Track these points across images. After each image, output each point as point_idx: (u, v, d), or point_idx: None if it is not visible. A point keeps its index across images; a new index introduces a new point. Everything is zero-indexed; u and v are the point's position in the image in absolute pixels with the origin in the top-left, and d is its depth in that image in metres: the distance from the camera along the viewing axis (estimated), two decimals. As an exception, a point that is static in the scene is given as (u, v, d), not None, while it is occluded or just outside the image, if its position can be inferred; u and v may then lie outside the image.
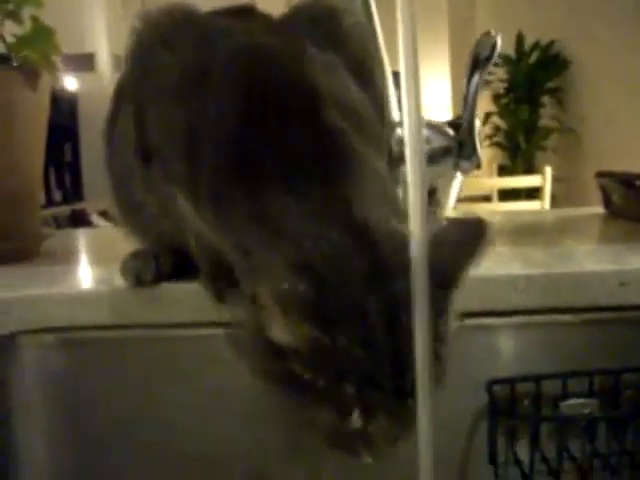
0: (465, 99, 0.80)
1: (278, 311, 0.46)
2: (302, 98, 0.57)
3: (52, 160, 5.88)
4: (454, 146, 0.81)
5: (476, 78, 0.79)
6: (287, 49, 0.62)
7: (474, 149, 0.81)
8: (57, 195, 6.13)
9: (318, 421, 0.49)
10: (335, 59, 0.65)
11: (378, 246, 0.49)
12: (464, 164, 0.82)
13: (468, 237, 0.51)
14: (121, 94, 0.76)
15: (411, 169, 0.41)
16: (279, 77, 0.59)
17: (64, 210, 5.35)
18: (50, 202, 5.77)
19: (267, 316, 0.48)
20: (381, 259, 0.48)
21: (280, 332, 0.47)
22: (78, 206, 5.62)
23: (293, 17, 0.72)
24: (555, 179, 3.24)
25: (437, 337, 0.49)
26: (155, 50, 0.66)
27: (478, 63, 0.78)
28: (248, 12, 0.72)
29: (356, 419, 0.47)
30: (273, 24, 0.71)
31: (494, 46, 0.77)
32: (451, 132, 0.81)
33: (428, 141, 0.80)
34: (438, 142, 0.81)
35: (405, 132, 0.40)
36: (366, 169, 0.56)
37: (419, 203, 0.41)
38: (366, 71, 0.68)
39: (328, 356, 0.46)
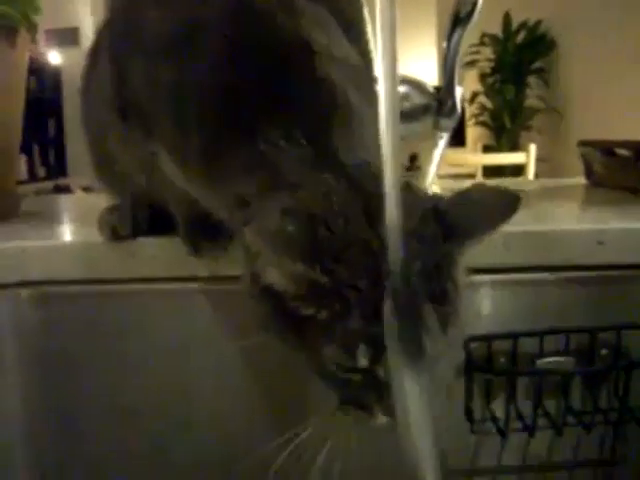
0: (445, 57, 0.79)
1: (268, 250, 0.46)
2: (296, 51, 0.57)
3: (36, 136, 5.82)
4: (434, 104, 0.80)
5: (457, 35, 0.78)
6: (278, 3, 0.61)
7: (454, 106, 0.81)
8: (41, 171, 6.08)
9: (325, 363, 0.49)
10: (325, 12, 0.64)
11: (371, 187, 0.49)
12: (444, 122, 0.81)
13: (497, 206, 0.52)
14: (100, 45, 0.74)
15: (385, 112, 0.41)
16: (272, 31, 0.58)
17: (47, 185, 5.31)
18: (33, 178, 5.72)
19: (262, 263, 0.48)
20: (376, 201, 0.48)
21: (275, 276, 0.48)
22: (62, 182, 5.57)
23: None
24: (539, 159, 3.25)
25: (452, 286, 0.49)
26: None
27: (459, 20, 0.77)
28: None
29: (363, 356, 0.47)
30: None
31: (475, 3, 0.76)
32: (431, 89, 0.81)
33: (407, 97, 0.79)
34: (417, 99, 0.80)
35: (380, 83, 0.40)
36: (360, 118, 0.56)
37: (393, 147, 0.42)
38: (354, 26, 0.68)
39: (328, 292, 0.46)
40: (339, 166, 0.51)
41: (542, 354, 0.74)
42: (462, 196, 0.52)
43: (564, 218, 0.82)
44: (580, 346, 0.75)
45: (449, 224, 0.49)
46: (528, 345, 0.74)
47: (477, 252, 0.73)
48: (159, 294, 0.75)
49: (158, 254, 0.73)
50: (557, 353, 0.75)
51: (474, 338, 0.74)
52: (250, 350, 0.74)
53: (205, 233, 0.69)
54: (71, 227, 0.93)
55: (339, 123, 0.54)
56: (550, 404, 0.76)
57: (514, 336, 0.74)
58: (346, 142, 0.53)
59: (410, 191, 0.51)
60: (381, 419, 0.50)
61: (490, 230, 0.51)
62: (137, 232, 0.73)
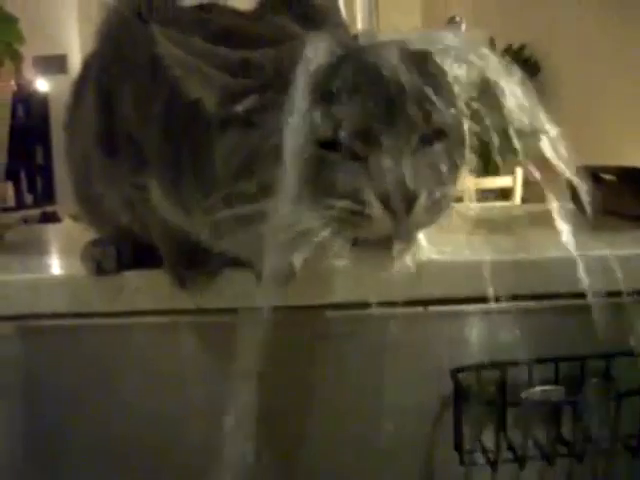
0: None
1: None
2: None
3: (23, 163, 5.82)
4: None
5: (441, 65, 0.78)
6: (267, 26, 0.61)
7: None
8: (28, 198, 6.07)
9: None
10: None
11: None
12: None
13: None
14: (85, 78, 0.74)
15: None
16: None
17: (34, 213, 5.30)
18: (21, 205, 5.71)
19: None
20: None
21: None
22: (50, 209, 5.56)
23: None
24: (526, 182, 3.27)
25: None
26: (131, 24, 0.64)
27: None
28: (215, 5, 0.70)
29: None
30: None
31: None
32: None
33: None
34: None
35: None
36: None
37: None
38: None
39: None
40: None
41: (531, 383, 0.74)
42: None
43: (549, 246, 0.81)
44: (569, 375, 0.75)
45: None
46: (517, 374, 0.74)
47: (463, 281, 0.73)
48: (145, 327, 0.75)
49: (143, 287, 0.72)
50: (547, 382, 0.74)
51: (462, 368, 0.74)
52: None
53: (191, 266, 0.68)
54: (57, 259, 0.92)
55: None
56: (541, 434, 0.75)
57: (502, 366, 0.73)
58: None
59: None
60: (382, 220, 0.48)
61: None
62: (121, 267, 0.72)
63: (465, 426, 0.75)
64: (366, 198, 0.48)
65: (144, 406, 0.76)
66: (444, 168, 0.52)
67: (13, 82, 1.04)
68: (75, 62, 5.77)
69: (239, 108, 0.51)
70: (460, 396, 0.74)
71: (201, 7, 0.68)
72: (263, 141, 0.49)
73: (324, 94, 0.48)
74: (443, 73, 0.53)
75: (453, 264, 0.73)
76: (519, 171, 3.13)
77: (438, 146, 0.51)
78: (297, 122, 0.46)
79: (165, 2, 0.66)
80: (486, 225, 1.04)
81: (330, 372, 0.75)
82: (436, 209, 0.51)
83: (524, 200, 3.28)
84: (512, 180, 3.14)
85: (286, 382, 0.73)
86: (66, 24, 5.92)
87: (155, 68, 0.60)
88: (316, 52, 0.49)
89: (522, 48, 4.62)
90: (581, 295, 0.74)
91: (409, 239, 0.52)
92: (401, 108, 0.48)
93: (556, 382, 0.74)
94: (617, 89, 3.55)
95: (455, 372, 0.73)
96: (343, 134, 0.47)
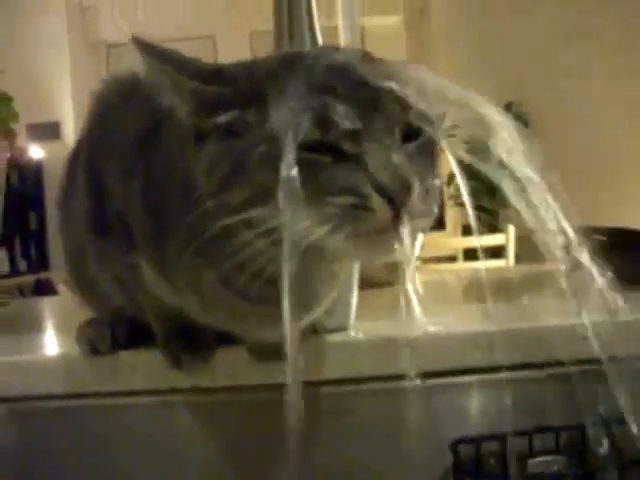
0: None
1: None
2: None
3: (17, 229, 5.83)
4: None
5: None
6: None
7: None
8: (22, 265, 6.05)
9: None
10: None
11: None
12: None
13: None
14: (78, 157, 0.75)
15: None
16: None
17: (28, 279, 5.28)
18: (15, 272, 5.69)
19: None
20: None
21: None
22: (44, 275, 5.54)
23: None
24: (519, 238, 3.27)
25: None
26: (115, 105, 0.66)
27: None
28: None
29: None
30: None
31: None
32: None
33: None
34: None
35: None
36: None
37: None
38: None
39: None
40: None
41: (532, 453, 0.73)
42: None
43: (546, 313, 0.81)
44: (570, 443, 0.74)
45: None
46: (518, 445, 0.73)
47: (460, 353, 0.73)
48: (141, 407, 0.74)
49: (138, 367, 0.72)
50: (548, 451, 0.73)
51: (462, 440, 0.73)
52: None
53: (185, 345, 0.68)
54: (51, 337, 0.92)
55: None
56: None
57: (502, 437, 0.73)
58: None
59: None
60: (383, 211, 0.48)
61: None
62: (116, 346, 0.72)
63: (466, 499, 0.74)
64: (365, 191, 0.48)
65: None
66: (424, 162, 0.53)
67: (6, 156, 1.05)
68: (69, 129, 5.82)
69: (221, 120, 0.51)
70: (460, 468, 0.73)
71: None
72: (250, 150, 0.49)
73: (308, 99, 0.49)
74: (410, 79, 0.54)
75: (449, 336, 0.73)
76: (511, 228, 3.13)
77: (415, 144, 0.52)
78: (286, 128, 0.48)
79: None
80: (480, 291, 1.04)
81: (326, 449, 0.74)
82: (428, 199, 0.52)
83: (517, 257, 3.28)
84: (504, 238, 3.13)
85: (280, 460, 0.72)
86: (59, 91, 5.99)
87: (135, 146, 0.61)
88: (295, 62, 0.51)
89: (509, 105, 4.69)
90: (580, 362, 0.74)
91: (405, 227, 0.52)
92: (381, 105, 0.49)
93: (557, 452, 0.74)
94: (604, 144, 3.60)
95: (455, 444, 0.72)
96: (332, 135, 0.48)
